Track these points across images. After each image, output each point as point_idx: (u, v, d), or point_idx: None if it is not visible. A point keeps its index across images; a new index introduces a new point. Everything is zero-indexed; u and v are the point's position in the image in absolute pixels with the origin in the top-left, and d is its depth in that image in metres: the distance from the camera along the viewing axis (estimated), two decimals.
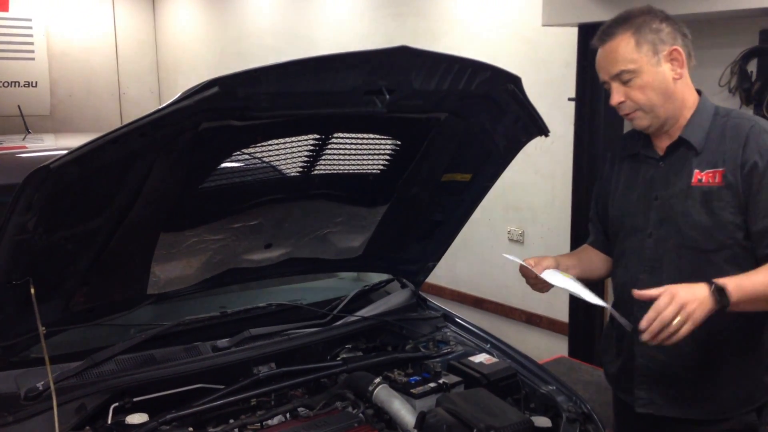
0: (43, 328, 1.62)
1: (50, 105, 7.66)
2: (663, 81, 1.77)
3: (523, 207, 4.31)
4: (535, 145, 2.19)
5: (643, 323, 1.61)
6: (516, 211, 4.34)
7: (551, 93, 3.91)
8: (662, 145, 1.88)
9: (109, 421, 1.73)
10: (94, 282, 1.73)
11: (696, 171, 1.80)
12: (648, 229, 1.88)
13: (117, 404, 1.76)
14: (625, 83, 1.77)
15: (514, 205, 4.33)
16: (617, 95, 1.79)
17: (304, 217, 2.07)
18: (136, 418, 1.71)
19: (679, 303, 1.59)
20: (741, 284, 1.64)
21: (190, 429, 1.70)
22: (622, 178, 1.99)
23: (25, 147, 3.39)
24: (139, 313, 1.97)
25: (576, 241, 3.83)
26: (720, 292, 1.61)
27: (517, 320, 4.43)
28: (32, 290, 1.54)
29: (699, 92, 1.87)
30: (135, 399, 1.79)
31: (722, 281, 1.63)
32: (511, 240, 4.41)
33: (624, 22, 1.78)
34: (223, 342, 2.00)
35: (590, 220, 2.17)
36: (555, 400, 1.96)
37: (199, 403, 1.79)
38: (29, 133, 3.92)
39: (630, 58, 1.75)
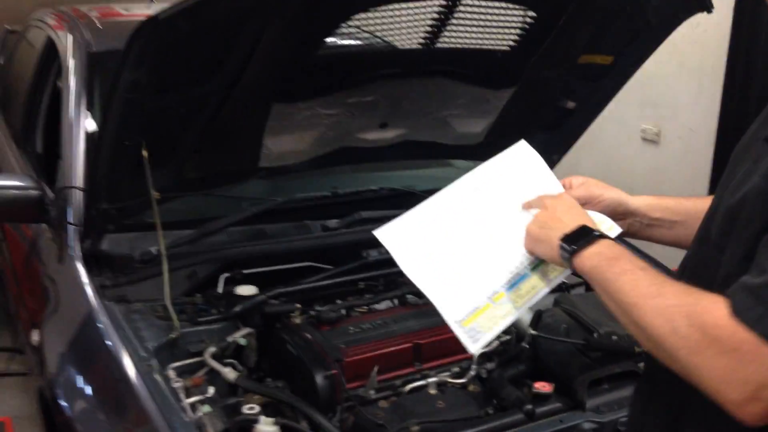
0: (156, 193, 1.62)
1: None
2: None
3: (661, 103, 3.93)
4: (683, 32, 1.90)
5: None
6: (653, 108, 3.96)
7: None
8: None
9: (220, 290, 1.75)
10: (206, 150, 1.69)
11: None
12: None
13: (227, 275, 1.77)
14: None
15: (652, 100, 3.95)
16: None
17: (423, 96, 1.93)
18: (246, 290, 1.71)
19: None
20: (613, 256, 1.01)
21: (298, 305, 1.68)
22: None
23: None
24: (251, 187, 1.95)
25: (722, 146, 3.47)
26: (570, 243, 1.06)
27: None
28: (144, 153, 1.52)
29: None
30: (245, 271, 1.79)
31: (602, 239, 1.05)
32: (644, 139, 4.07)
33: None
34: (332, 222, 1.96)
35: None
36: None
37: (307, 281, 1.77)
38: (152, 1, 3.93)
39: None
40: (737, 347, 0.79)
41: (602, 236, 1.06)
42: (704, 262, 0.98)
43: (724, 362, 0.80)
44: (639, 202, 1.26)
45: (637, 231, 1.28)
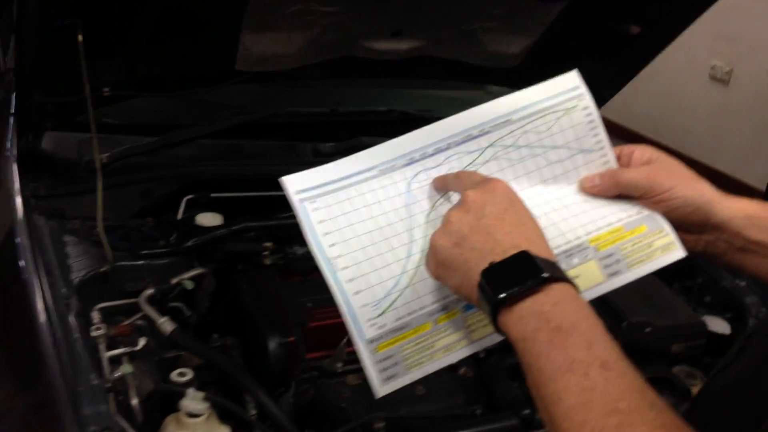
0: (105, 89, 1.32)
1: None
2: None
3: (737, 38, 3.52)
4: None
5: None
6: (727, 43, 3.55)
7: None
8: None
9: (179, 216, 1.46)
10: (167, 42, 1.36)
11: None
12: None
13: (190, 196, 1.49)
14: None
15: (727, 34, 3.53)
16: None
17: (449, 1, 1.56)
18: (208, 219, 1.43)
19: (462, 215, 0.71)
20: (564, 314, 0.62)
21: (269, 244, 1.40)
22: None
23: None
24: (231, 94, 1.62)
25: None
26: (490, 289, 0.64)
27: None
28: (80, 37, 1.21)
29: None
30: (213, 194, 1.50)
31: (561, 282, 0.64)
32: (713, 78, 3.67)
33: None
34: (327, 146, 1.65)
35: None
36: (741, 299, 1.47)
37: (286, 216, 1.48)
38: None
39: None
40: None
41: (554, 279, 0.63)
42: None
43: None
44: (732, 210, 0.78)
45: (721, 254, 0.81)
